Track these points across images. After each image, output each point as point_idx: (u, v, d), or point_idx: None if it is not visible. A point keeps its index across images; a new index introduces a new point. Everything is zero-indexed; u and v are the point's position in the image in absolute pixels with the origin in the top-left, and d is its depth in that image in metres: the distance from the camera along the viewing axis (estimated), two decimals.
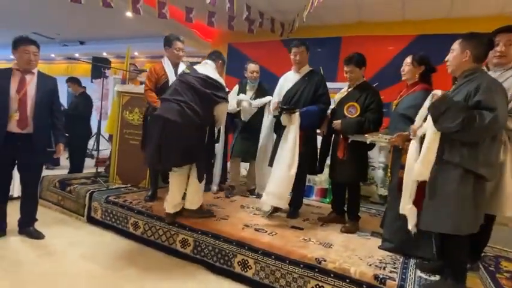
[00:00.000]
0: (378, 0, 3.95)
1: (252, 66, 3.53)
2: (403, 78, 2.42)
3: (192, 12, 4.18)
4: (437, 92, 1.79)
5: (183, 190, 2.69)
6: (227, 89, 2.84)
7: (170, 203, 2.66)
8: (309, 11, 3.44)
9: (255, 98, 3.48)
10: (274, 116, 3.09)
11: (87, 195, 3.23)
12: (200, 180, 2.63)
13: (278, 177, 2.72)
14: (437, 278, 1.97)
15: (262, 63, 4.82)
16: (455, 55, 1.84)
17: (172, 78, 3.00)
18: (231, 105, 3.25)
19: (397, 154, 2.28)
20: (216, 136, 3.19)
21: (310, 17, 3.95)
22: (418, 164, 1.82)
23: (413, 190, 1.92)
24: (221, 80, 2.67)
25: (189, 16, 4.20)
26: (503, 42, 1.93)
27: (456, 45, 1.84)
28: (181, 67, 3.13)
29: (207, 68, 2.68)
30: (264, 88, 3.56)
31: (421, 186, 1.91)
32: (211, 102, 2.55)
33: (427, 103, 1.86)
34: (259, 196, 3.31)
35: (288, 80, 3.03)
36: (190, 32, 5.48)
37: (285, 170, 2.70)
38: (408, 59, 2.36)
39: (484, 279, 2.06)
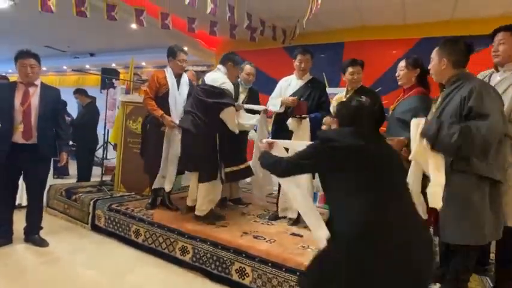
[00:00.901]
0: (378, 4, 3.93)
1: (248, 68, 3.34)
2: (399, 83, 2.39)
3: (194, 23, 4.25)
4: (421, 120, 1.72)
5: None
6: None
7: (189, 198, 3.00)
8: (308, 17, 3.45)
9: (246, 102, 3.27)
10: (275, 123, 3.03)
11: (91, 203, 3.29)
12: (201, 181, 2.77)
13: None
14: (437, 286, 1.91)
15: (266, 71, 4.86)
16: (434, 64, 1.83)
17: (173, 89, 3.02)
18: None
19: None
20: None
21: (312, 23, 3.97)
22: (430, 189, 1.64)
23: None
24: (226, 85, 2.76)
25: (191, 26, 4.27)
26: (497, 41, 1.89)
27: (434, 54, 1.83)
28: (184, 77, 3.17)
29: (217, 74, 2.85)
30: (255, 92, 3.44)
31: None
32: (217, 110, 2.72)
33: (413, 133, 1.73)
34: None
35: (291, 85, 3.01)
36: (194, 42, 5.58)
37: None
38: (402, 63, 2.34)
39: (484, 281, 2.00)
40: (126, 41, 6.50)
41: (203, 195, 2.80)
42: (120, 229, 3.03)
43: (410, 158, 1.75)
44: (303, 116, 2.75)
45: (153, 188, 3.12)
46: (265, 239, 2.52)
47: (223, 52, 5.56)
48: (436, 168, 1.62)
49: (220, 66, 2.92)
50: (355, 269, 1.17)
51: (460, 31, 3.90)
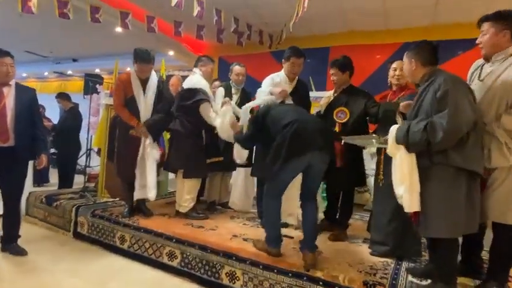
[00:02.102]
0: (361, 10, 4.03)
1: (237, 69, 3.31)
2: (402, 82, 2.40)
3: (181, 26, 4.24)
4: (395, 126, 1.83)
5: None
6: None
7: (178, 203, 3.06)
8: (295, 21, 3.49)
9: (239, 103, 3.27)
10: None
11: (73, 209, 3.16)
12: (185, 176, 2.93)
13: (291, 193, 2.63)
14: (429, 281, 1.91)
15: (253, 75, 4.86)
16: (405, 67, 1.95)
17: (139, 95, 2.85)
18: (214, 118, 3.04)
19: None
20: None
21: (299, 28, 4.02)
22: (406, 195, 1.72)
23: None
24: (198, 84, 2.93)
25: (178, 30, 4.26)
26: (480, 33, 1.88)
27: (404, 58, 1.95)
28: (152, 81, 2.92)
29: (191, 77, 3.02)
30: (247, 93, 3.42)
31: None
32: (196, 108, 2.91)
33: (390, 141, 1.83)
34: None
35: (282, 87, 2.85)
36: (180, 46, 5.55)
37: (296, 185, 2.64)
38: (396, 65, 2.38)
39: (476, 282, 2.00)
40: (111, 46, 6.40)
41: (186, 191, 2.97)
42: (104, 236, 2.91)
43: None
44: None
45: (136, 199, 2.98)
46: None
47: (210, 56, 5.56)
48: (408, 173, 1.71)
49: (194, 69, 3.10)
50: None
51: (440, 36, 4.05)
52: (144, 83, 2.90)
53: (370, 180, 4.23)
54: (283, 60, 2.86)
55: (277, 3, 4.03)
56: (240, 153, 2.96)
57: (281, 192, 2.24)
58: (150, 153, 2.90)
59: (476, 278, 2.00)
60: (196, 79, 2.99)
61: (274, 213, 2.24)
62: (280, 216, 2.30)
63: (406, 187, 1.71)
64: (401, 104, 2.20)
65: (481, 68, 1.90)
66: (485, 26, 1.81)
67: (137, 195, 2.96)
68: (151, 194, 2.92)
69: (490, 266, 1.91)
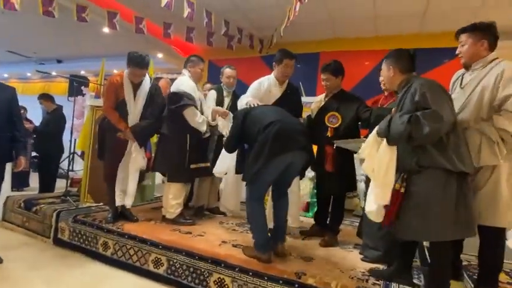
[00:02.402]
0: (351, 16, 4.07)
1: (228, 71, 3.28)
2: (387, 87, 2.41)
3: (170, 28, 4.18)
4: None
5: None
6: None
7: (164, 208, 3.02)
8: (286, 25, 3.49)
9: (231, 106, 3.26)
10: None
11: (54, 215, 3.02)
12: (168, 180, 2.92)
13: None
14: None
15: (243, 79, 4.82)
16: (384, 74, 1.98)
17: (130, 99, 2.79)
18: (207, 115, 3.07)
19: None
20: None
21: (289, 34, 4.02)
22: (377, 189, 1.75)
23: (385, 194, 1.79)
24: (183, 87, 2.88)
25: (167, 31, 4.19)
26: (459, 44, 1.96)
27: (382, 66, 1.98)
28: (144, 87, 2.86)
29: (179, 79, 2.99)
30: (238, 96, 3.38)
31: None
32: (180, 113, 2.86)
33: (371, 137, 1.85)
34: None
35: (272, 92, 2.84)
36: (169, 49, 5.48)
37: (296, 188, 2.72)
38: None
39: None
40: (97, 47, 6.25)
41: (172, 196, 2.91)
42: (87, 242, 2.78)
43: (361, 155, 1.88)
44: None
45: (116, 205, 2.88)
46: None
47: None
48: (388, 167, 1.71)
49: (183, 70, 3.06)
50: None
51: (428, 43, 4.13)
52: (135, 87, 2.83)
53: (360, 186, 4.25)
54: (274, 63, 2.82)
55: (268, 7, 4.03)
56: (219, 167, 2.94)
57: (263, 194, 2.25)
58: (135, 159, 2.83)
59: (455, 279, 1.98)
60: (181, 81, 2.93)
61: (259, 216, 2.20)
62: (266, 221, 2.24)
63: (380, 182, 1.73)
64: (394, 109, 2.20)
65: (462, 77, 1.98)
66: (463, 37, 1.90)
67: (117, 201, 2.87)
68: (128, 201, 2.87)
69: (480, 271, 1.91)
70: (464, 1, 3.50)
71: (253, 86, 2.83)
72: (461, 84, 1.95)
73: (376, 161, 1.76)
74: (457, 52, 1.96)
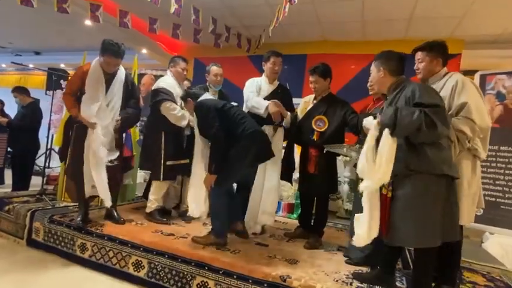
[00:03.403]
0: (339, 20, 4.10)
1: (215, 69, 3.22)
2: (374, 91, 2.42)
3: (156, 23, 4.06)
4: (369, 117, 1.89)
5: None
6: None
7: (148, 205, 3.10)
8: (275, 26, 3.46)
9: None
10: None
11: (28, 214, 2.87)
12: (152, 179, 3.04)
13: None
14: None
15: (230, 78, 4.78)
16: (373, 75, 1.99)
17: (99, 88, 2.65)
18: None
19: None
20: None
21: (277, 34, 4.00)
22: (381, 168, 1.64)
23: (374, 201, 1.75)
24: (161, 84, 2.99)
25: (153, 27, 4.07)
26: (417, 60, 2.08)
27: (372, 67, 2.00)
28: (119, 77, 2.78)
29: (160, 79, 3.12)
30: (225, 95, 3.32)
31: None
32: (157, 109, 2.94)
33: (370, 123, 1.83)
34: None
35: (262, 89, 2.88)
36: (155, 45, 5.34)
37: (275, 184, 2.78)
38: None
39: None
40: (78, 40, 6.02)
41: (151, 192, 3.04)
42: (63, 243, 2.66)
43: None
44: (280, 123, 2.75)
45: (87, 196, 2.73)
46: (229, 249, 2.37)
47: (185, 57, 5.41)
48: (386, 160, 1.63)
49: (167, 70, 3.20)
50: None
51: (412, 49, 4.21)
52: (109, 78, 2.72)
53: (344, 187, 4.29)
54: (263, 62, 2.90)
55: (257, 6, 3.99)
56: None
57: (229, 189, 2.59)
58: (94, 149, 2.60)
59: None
60: (162, 80, 3.07)
61: (223, 206, 2.42)
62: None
63: (382, 173, 1.63)
64: (379, 114, 2.21)
65: None
66: (420, 54, 2.03)
67: (87, 191, 2.70)
68: (107, 203, 2.70)
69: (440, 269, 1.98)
70: (448, 10, 3.59)
71: (249, 84, 2.92)
72: None
73: (376, 156, 1.68)
74: (415, 68, 2.07)
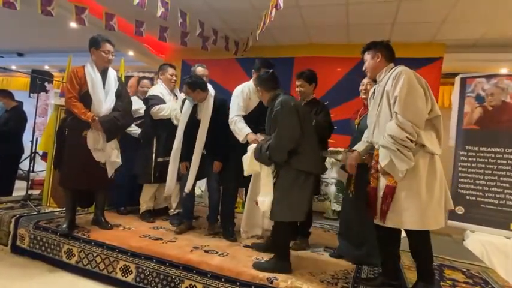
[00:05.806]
0: (324, 23, 4.17)
1: (200, 70, 3.23)
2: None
3: (143, 26, 4.05)
4: (253, 146, 2.33)
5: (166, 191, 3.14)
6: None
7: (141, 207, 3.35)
8: (262, 30, 3.50)
9: None
10: None
11: (13, 221, 2.83)
12: (140, 181, 3.27)
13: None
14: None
15: (218, 81, 4.80)
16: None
17: (98, 86, 2.67)
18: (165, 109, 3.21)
19: (363, 169, 2.18)
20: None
21: (264, 37, 4.04)
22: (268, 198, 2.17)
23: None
24: (152, 92, 3.28)
25: (139, 29, 4.05)
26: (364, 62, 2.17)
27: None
28: (112, 73, 2.80)
29: (152, 88, 3.38)
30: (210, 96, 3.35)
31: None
32: (148, 116, 3.23)
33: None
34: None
35: (252, 99, 2.83)
36: (141, 47, 5.31)
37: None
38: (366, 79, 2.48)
39: None
40: (63, 41, 5.92)
41: (141, 195, 3.29)
42: (49, 250, 2.63)
43: (246, 174, 2.36)
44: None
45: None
46: (217, 252, 2.39)
47: (172, 59, 5.40)
48: (265, 183, 2.20)
49: (158, 79, 3.46)
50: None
51: (396, 53, 4.31)
52: (103, 74, 2.74)
53: (331, 188, 4.36)
54: (253, 71, 2.85)
55: (244, 10, 4.02)
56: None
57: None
58: (109, 154, 2.72)
59: None
60: (152, 89, 3.36)
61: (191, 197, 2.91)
62: None
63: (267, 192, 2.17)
64: (348, 163, 2.16)
65: (374, 90, 2.14)
66: (365, 56, 2.14)
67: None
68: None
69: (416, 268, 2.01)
70: (428, 16, 3.70)
71: (237, 94, 2.82)
72: (373, 96, 2.12)
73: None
74: (363, 69, 2.17)
